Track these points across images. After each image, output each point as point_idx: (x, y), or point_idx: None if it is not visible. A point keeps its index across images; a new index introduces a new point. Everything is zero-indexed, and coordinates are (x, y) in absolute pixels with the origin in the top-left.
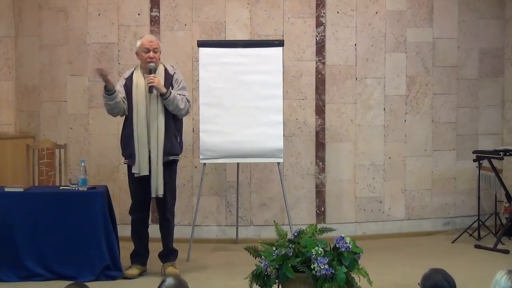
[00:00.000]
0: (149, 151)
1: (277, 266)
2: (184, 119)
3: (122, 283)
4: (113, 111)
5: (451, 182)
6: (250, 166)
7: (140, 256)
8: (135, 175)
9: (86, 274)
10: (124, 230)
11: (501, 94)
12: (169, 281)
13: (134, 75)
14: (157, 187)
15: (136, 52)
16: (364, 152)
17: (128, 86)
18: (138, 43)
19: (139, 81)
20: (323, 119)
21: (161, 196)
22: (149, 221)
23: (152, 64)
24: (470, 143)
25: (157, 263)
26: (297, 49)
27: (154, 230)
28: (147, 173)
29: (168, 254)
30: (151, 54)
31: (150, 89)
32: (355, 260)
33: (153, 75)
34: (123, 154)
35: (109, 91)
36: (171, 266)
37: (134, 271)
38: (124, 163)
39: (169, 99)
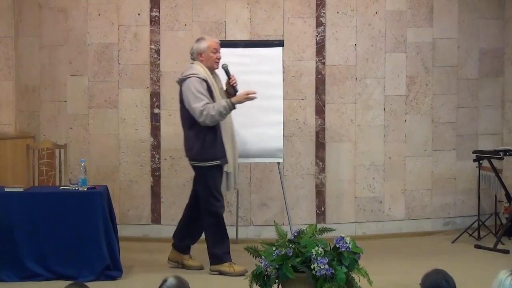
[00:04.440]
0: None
1: (277, 266)
2: None
3: (122, 283)
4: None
5: (451, 182)
6: (250, 166)
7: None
8: (227, 173)
9: (86, 274)
10: (124, 230)
11: (501, 94)
12: (171, 281)
13: (206, 76)
14: (236, 181)
15: (199, 53)
16: (364, 152)
17: (210, 88)
18: (204, 43)
19: (214, 82)
20: (323, 119)
21: (237, 188)
22: (150, 221)
23: (226, 64)
24: (470, 143)
25: (157, 263)
26: (297, 49)
27: (155, 230)
28: (232, 170)
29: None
30: (219, 54)
31: (235, 89)
32: (355, 260)
33: (233, 75)
34: (209, 156)
35: (235, 105)
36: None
37: (241, 268)
38: (208, 165)
39: None
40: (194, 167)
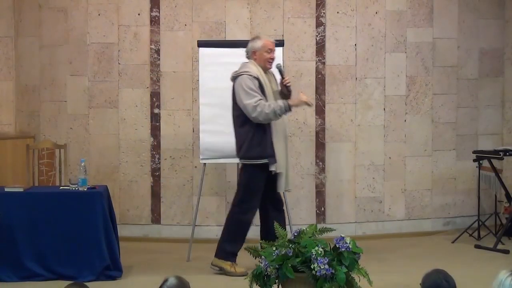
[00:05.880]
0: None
1: (277, 266)
2: (184, 119)
3: (122, 283)
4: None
5: (451, 182)
6: None
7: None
8: (273, 173)
9: (86, 274)
10: (124, 230)
11: (501, 94)
12: (171, 281)
13: (258, 75)
14: (288, 183)
15: (253, 51)
16: (364, 152)
17: (262, 87)
18: (259, 43)
19: (266, 81)
20: (323, 119)
21: (290, 190)
22: (150, 221)
23: (280, 64)
24: (470, 143)
25: (157, 263)
26: (297, 49)
27: (155, 230)
28: (283, 171)
29: None
30: (273, 55)
31: (288, 88)
32: (355, 260)
33: (287, 76)
34: (256, 155)
35: (291, 108)
36: None
37: (242, 269)
38: (255, 163)
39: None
40: (243, 165)
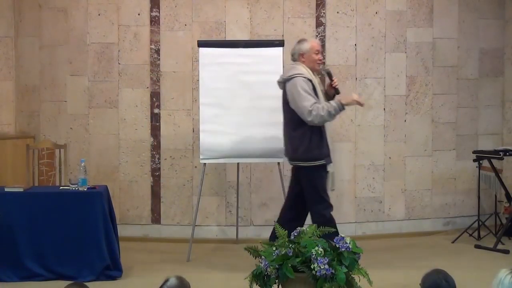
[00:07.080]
0: None
1: (277, 266)
2: (184, 119)
3: (122, 283)
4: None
5: (451, 182)
6: (250, 166)
7: None
8: (330, 172)
9: (86, 274)
10: (124, 230)
11: (501, 94)
12: (172, 281)
13: (310, 77)
14: (333, 182)
15: (301, 54)
16: (364, 152)
17: (315, 88)
18: (307, 45)
19: (317, 83)
20: None
21: (333, 189)
22: (150, 221)
23: (327, 67)
24: (470, 143)
25: (157, 263)
26: None
27: (155, 230)
28: (332, 170)
29: None
30: (321, 56)
31: (337, 91)
32: (355, 260)
33: (335, 77)
34: (315, 156)
35: (345, 107)
36: None
37: None
38: (315, 165)
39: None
40: (299, 168)
